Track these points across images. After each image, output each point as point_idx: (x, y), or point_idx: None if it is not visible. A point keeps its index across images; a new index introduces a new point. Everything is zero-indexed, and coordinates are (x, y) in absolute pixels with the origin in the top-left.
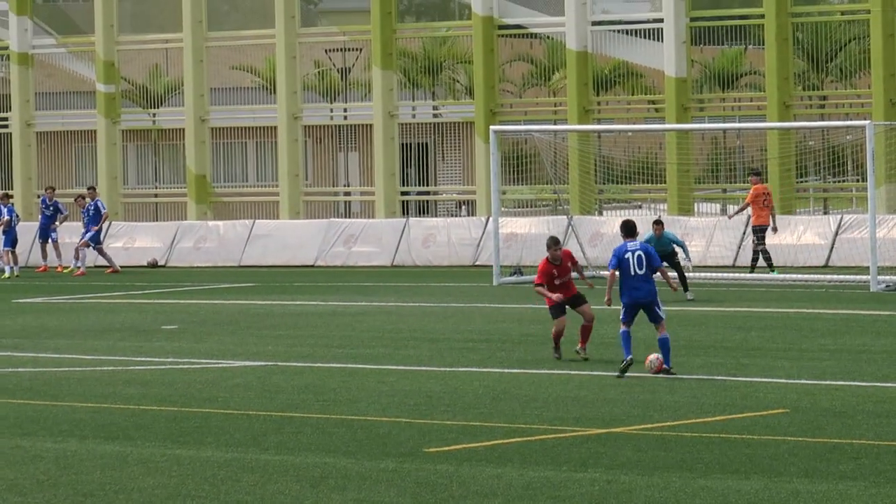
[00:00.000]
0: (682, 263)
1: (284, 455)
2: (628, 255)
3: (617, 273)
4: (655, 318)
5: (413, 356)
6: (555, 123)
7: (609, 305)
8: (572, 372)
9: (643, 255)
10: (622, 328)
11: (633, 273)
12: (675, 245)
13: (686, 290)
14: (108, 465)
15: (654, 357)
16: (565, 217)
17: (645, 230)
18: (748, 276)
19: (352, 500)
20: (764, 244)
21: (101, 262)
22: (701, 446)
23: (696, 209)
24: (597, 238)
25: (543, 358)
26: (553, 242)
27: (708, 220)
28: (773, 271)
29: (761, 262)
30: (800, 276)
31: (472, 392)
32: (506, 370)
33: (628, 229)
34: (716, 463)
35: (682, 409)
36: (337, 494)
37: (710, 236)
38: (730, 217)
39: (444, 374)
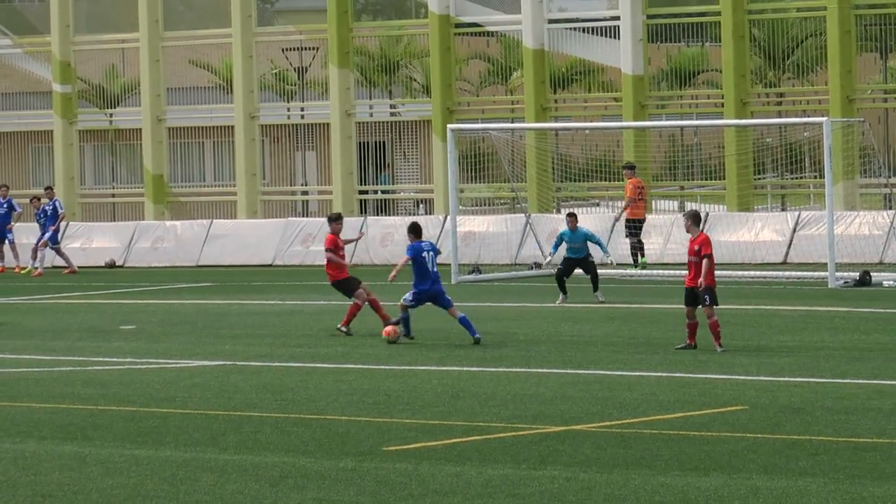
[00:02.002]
0: (602, 259)
1: (243, 454)
2: (425, 253)
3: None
4: (447, 304)
5: (371, 355)
6: (512, 122)
7: (391, 282)
8: (531, 370)
9: (434, 254)
10: (406, 312)
11: (431, 269)
12: (589, 241)
13: (596, 290)
14: (67, 466)
15: (391, 328)
16: (523, 215)
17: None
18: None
19: (311, 500)
20: (637, 237)
21: (59, 262)
22: (660, 443)
23: (653, 206)
24: (554, 235)
25: (502, 356)
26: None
27: (665, 217)
28: (637, 267)
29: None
30: (758, 272)
31: (430, 390)
32: (464, 368)
33: (417, 231)
34: (675, 460)
35: (641, 406)
36: (296, 493)
37: (667, 234)
38: (617, 218)
39: (402, 372)
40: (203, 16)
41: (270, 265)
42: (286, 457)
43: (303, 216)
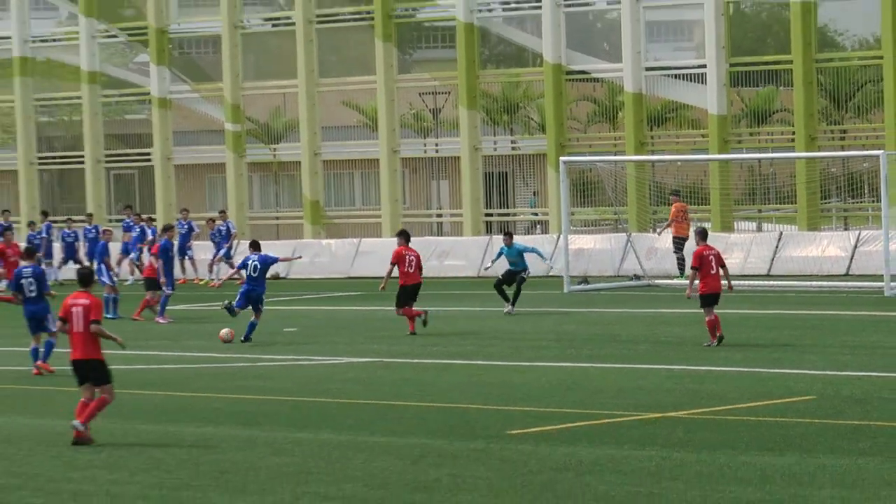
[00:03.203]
0: (544, 265)
1: (389, 437)
2: (249, 261)
3: (243, 272)
4: (257, 311)
5: (497, 353)
6: (615, 154)
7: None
8: (632, 365)
9: (258, 265)
10: (233, 304)
11: (249, 275)
12: (526, 252)
13: (512, 304)
14: (240, 447)
15: (227, 331)
16: (625, 234)
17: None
18: (776, 283)
19: (446, 475)
20: (681, 252)
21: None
22: (741, 428)
23: (735, 227)
24: (651, 252)
25: (607, 354)
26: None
27: (746, 236)
28: (682, 277)
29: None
30: (824, 283)
31: (547, 383)
32: (576, 364)
33: (255, 245)
34: (754, 442)
35: (726, 396)
36: (434, 470)
37: (748, 250)
38: (658, 233)
39: (523, 367)
40: (352, 65)
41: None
42: (425, 439)
43: (438, 235)
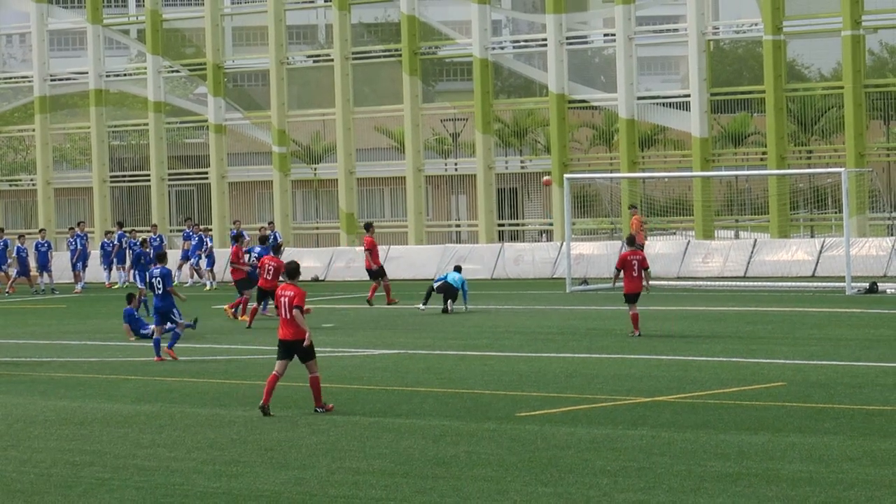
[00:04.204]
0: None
1: (413, 419)
2: (153, 279)
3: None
4: (171, 322)
5: (507, 345)
6: (611, 172)
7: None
8: (625, 356)
9: (161, 279)
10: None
11: (156, 291)
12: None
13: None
14: (283, 427)
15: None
16: (620, 241)
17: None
18: (751, 284)
19: (463, 452)
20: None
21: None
22: (721, 410)
23: (716, 235)
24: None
25: (604, 345)
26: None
27: (725, 242)
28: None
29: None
30: (793, 283)
31: (551, 371)
32: (576, 355)
33: (159, 257)
34: (732, 422)
35: (707, 382)
36: (452, 448)
37: (726, 255)
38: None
39: (530, 358)
40: (382, 96)
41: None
42: (444, 420)
43: (456, 243)
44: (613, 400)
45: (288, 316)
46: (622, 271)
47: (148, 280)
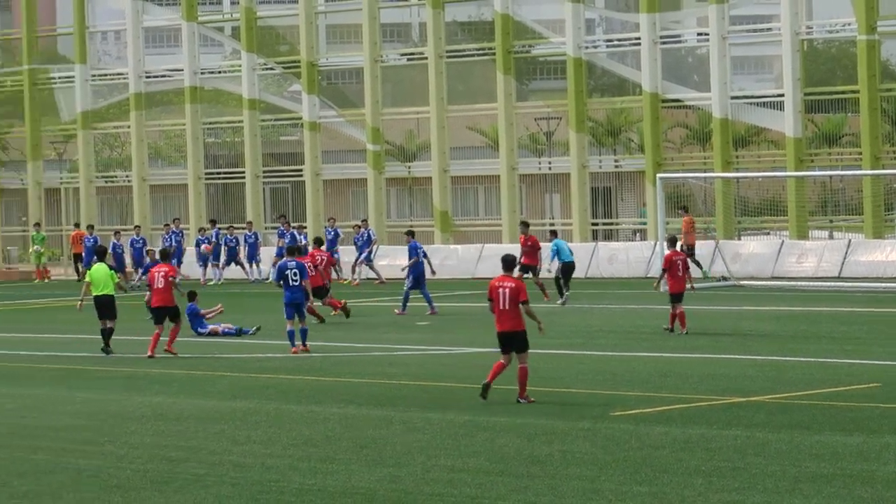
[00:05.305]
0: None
1: (508, 417)
2: (288, 271)
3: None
4: (302, 316)
5: (602, 344)
6: (705, 172)
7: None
8: (719, 356)
9: (298, 271)
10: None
11: (291, 283)
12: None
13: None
14: (377, 425)
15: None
16: (713, 241)
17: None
18: (846, 284)
19: (557, 451)
20: (694, 255)
21: (372, 275)
22: (816, 411)
23: (810, 235)
24: (737, 257)
25: (697, 345)
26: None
27: (819, 243)
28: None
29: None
30: (888, 284)
31: (645, 371)
32: (670, 354)
33: (290, 250)
34: (827, 423)
35: (802, 383)
36: (546, 446)
37: (821, 255)
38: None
39: (625, 357)
40: (476, 94)
41: (527, 277)
42: (539, 419)
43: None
44: (708, 400)
45: (507, 307)
46: (668, 271)
47: (281, 272)
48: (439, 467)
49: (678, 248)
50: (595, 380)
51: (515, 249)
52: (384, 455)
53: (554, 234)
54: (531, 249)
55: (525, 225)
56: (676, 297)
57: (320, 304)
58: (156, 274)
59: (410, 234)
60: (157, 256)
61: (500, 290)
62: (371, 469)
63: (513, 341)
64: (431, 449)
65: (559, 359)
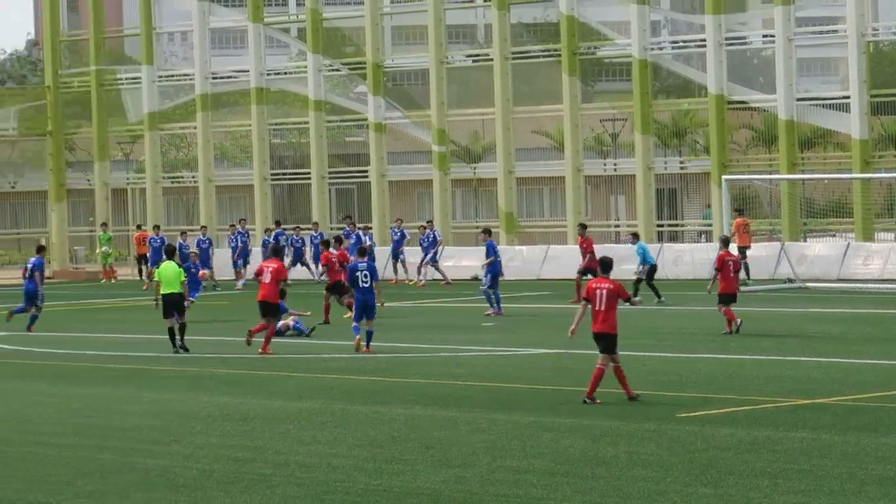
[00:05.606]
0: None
1: (572, 419)
2: (358, 273)
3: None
4: (370, 317)
5: (667, 345)
6: (770, 174)
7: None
8: (785, 357)
9: (369, 273)
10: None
11: (360, 284)
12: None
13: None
14: (443, 426)
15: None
16: (778, 242)
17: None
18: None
19: (623, 452)
20: (745, 257)
21: (438, 276)
22: (882, 413)
23: (876, 237)
24: (802, 259)
25: (763, 346)
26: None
27: (885, 245)
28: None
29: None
30: None
31: (710, 372)
32: (735, 356)
33: (360, 251)
34: (893, 425)
35: (868, 385)
36: (612, 448)
37: (886, 257)
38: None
39: (689, 359)
40: (541, 95)
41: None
42: (604, 420)
43: (616, 243)
44: (773, 401)
45: (603, 308)
46: (720, 272)
47: (352, 274)
48: (504, 468)
49: (730, 249)
50: (660, 381)
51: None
52: (450, 456)
53: (636, 236)
54: (586, 251)
55: (583, 227)
56: (729, 298)
57: (336, 300)
58: (265, 269)
59: (487, 232)
60: (268, 252)
61: (598, 291)
62: (436, 470)
63: (604, 342)
64: (497, 450)
65: (624, 360)
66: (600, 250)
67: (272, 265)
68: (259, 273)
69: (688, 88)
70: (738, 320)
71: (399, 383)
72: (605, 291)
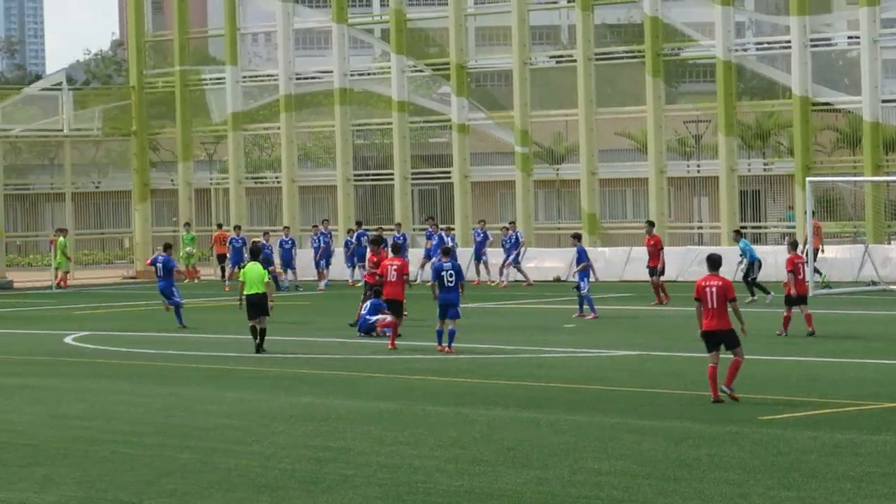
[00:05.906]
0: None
1: (654, 421)
2: (444, 272)
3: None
4: (454, 315)
5: (749, 348)
6: (854, 176)
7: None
8: (869, 360)
9: (454, 273)
10: (438, 325)
11: (446, 284)
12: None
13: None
14: (525, 427)
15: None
16: (863, 245)
17: None
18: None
19: (705, 455)
20: (816, 259)
21: (520, 277)
22: None
23: None
24: (887, 261)
25: (847, 349)
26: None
27: None
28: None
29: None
30: None
31: (792, 375)
32: (818, 359)
33: (445, 251)
34: None
35: None
36: (693, 450)
37: None
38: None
39: (772, 361)
40: (625, 97)
41: (674, 281)
42: (686, 423)
43: (698, 245)
44: (856, 405)
45: (715, 305)
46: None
47: (437, 273)
48: (586, 470)
49: (799, 251)
50: (743, 384)
51: (666, 253)
52: (531, 457)
53: (739, 233)
54: (654, 249)
55: (651, 225)
56: (799, 300)
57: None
58: (388, 267)
59: (577, 237)
60: (390, 251)
61: (708, 289)
62: (518, 471)
63: (722, 339)
64: (578, 451)
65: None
66: (681, 253)
67: (396, 262)
68: (384, 273)
69: (772, 90)
70: (811, 329)
71: (481, 384)
72: (715, 289)
